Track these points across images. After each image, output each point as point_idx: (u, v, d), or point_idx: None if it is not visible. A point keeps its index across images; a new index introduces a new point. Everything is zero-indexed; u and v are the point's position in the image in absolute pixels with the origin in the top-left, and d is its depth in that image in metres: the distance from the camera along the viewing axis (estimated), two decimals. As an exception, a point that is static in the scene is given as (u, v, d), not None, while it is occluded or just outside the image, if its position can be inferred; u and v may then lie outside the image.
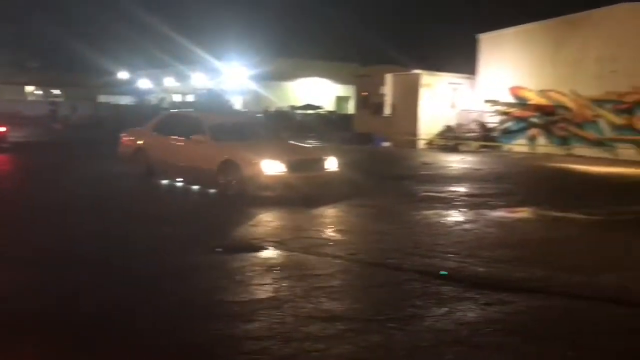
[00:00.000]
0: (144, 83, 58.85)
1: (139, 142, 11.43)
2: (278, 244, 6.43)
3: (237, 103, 45.73)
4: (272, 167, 9.13)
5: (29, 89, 68.94)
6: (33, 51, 67.10)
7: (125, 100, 54.20)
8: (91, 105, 52.55)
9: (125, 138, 11.94)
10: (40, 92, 70.04)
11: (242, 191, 9.19)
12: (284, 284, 5.02)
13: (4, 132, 18.16)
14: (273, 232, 7.23)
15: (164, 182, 10.88)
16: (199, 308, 4.45)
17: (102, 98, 62.50)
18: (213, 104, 38.11)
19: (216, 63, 45.77)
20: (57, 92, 67.05)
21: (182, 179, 10.66)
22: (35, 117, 39.57)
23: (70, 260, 5.64)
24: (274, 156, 9.30)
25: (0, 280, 5.00)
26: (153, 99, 52.10)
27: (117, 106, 47.48)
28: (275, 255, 6.09)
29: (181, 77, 51.49)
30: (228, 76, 45.59)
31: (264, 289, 4.91)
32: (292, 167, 9.25)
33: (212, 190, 9.86)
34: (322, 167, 9.85)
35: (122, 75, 61.02)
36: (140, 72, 59.58)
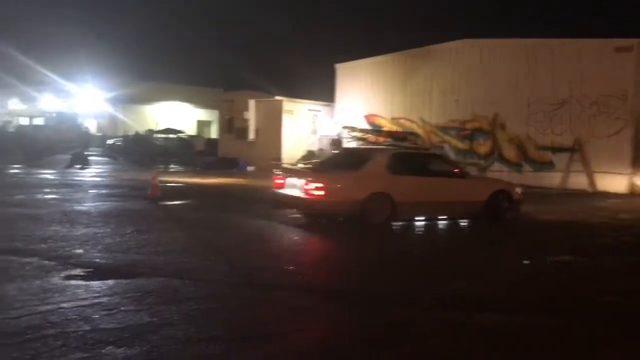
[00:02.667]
0: (-17, 104, 53.78)
1: (373, 188, 9.90)
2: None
3: (92, 127, 43.50)
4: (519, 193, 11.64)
5: None
6: None
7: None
8: None
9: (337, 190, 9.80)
10: None
11: (514, 214, 11.40)
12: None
13: None
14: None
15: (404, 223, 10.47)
16: None
17: None
18: (63, 126, 35.89)
19: (67, 85, 43.30)
20: None
21: (440, 215, 11.02)
22: None
23: None
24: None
25: None
26: (-6, 122, 47.69)
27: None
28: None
29: (28, 98, 47.92)
30: (81, 99, 43.30)
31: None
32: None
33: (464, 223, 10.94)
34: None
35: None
36: (-21, 92, 54.40)
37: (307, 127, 26.47)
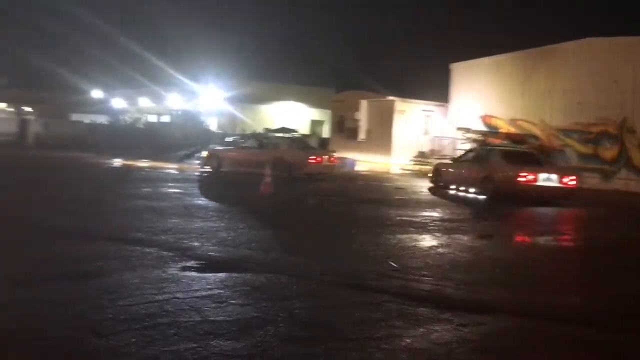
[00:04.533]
0: (118, 102, 58.49)
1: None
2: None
3: (212, 124, 45.80)
4: None
5: (1, 105, 67.79)
6: (2, 67, 66.22)
7: (98, 119, 53.81)
8: (65, 123, 52.00)
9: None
10: (12, 110, 68.86)
11: None
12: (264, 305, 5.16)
13: None
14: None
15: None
16: None
17: (75, 116, 61.75)
18: (188, 124, 38.17)
19: (192, 85, 45.91)
20: (28, 109, 66.03)
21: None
22: (5, 134, 39.03)
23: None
24: None
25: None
26: (127, 119, 51.75)
27: (94, 125, 47.07)
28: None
29: (156, 97, 51.39)
30: (204, 98, 45.71)
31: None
32: None
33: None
34: None
35: (96, 94, 60.60)
36: (115, 91, 59.29)
37: (419, 128, 26.09)
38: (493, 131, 23.69)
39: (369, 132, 27.09)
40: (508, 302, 5.67)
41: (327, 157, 19.19)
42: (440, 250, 8.02)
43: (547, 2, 69.93)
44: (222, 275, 5.98)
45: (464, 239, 8.97)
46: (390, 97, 26.35)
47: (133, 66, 50.57)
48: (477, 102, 24.75)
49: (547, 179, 14.06)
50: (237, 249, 7.34)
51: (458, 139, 24.60)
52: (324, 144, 31.62)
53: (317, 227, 9.74)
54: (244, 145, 20.51)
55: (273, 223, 9.86)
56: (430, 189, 17.20)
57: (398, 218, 10.96)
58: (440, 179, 17.28)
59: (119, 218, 9.45)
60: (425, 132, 26.23)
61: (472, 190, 15.64)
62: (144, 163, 22.90)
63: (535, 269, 7.53)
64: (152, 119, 53.68)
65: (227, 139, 32.15)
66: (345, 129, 28.52)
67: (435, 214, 11.97)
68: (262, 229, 9.11)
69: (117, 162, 22.99)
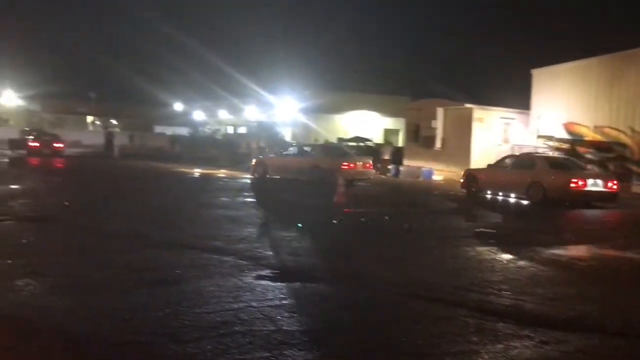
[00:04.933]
0: (198, 115, 60.71)
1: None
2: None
3: (287, 135, 46.52)
4: None
5: (90, 119, 71.99)
6: (92, 82, 70.35)
7: (180, 131, 56.02)
8: (149, 135, 54.62)
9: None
10: (99, 123, 72.91)
11: None
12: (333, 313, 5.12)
13: (62, 146, 31.56)
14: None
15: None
16: None
17: (158, 128, 64.67)
18: (263, 135, 39.00)
19: (268, 96, 46.92)
20: (114, 122, 69.75)
21: None
22: (93, 146, 41.48)
23: None
24: None
25: None
26: (207, 130, 53.61)
27: (176, 136, 49.13)
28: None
29: (234, 109, 52.89)
30: (279, 109, 46.55)
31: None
32: None
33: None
34: None
35: (177, 107, 63.21)
36: (195, 104, 61.57)
37: (498, 136, 25.32)
38: (577, 139, 22.61)
39: (445, 140, 26.58)
40: (594, 319, 5.35)
41: (361, 163, 20.10)
42: (520, 263, 7.70)
43: (634, 3, 66.23)
44: (295, 284, 6.01)
45: (545, 252, 8.55)
46: (468, 105, 25.70)
47: (213, 79, 52.42)
48: (559, 109, 23.70)
49: (594, 184, 15.07)
50: (310, 259, 7.37)
51: (540, 147, 23.66)
52: (398, 153, 31.32)
53: (391, 238, 9.61)
54: (286, 153, 22.10)
55: (344, 233, 9.83)
56: (467, 194, 17.50)
57: (477, 230, 10.65)
58: (474, 184, 17.63)
59: (198, 226, 9.74)
60: (504, 141, 25.40)
61: (514, 195, 16.42)
62: (222, 173, 23.53)
63: (625, 283, 7.06)
64: (230, 130, 55.26)
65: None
66: (421, 138, 28.10)
67: (511, 225, 11.54)
68: (334, 238, 9.11)
69: (197, 171, 23.75)
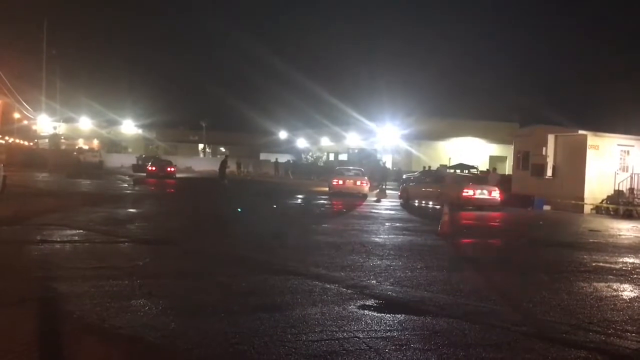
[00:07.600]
0: (301, 142, 62.17)
1: None
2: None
3: (389, 161, 46.32)
4: None
5: (201, 146, 75.88)
6: (203, 112, 74.35)
7: (284, 158, 57.67)
8: (255, 161, 56.92)
9: None
10: (209, 150, 76.61)
11: None
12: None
13: (173, 170, 38.88)
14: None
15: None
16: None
17: (263, 155, 66.92)
18: (364, 161, 39.09)
19: (369, 124, 47.14)
20: (223, 149, 73.07)
21: None
22: (202, 172, 44.31)
23: None
24: None
25: None
26: (310, 157, 54.73)
27: (279, 163, 50.74)
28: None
29: (336, 137, 53.63)
30: (381, 136, 46.56)
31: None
32: None
33: None
34: None
35: (282, 135, 65.19)
36: (298, 131, 63.20)
37: (614, 164, 23.68)
38: None
39: (555, 168, 25.23)
40: None
41: (480, 191, 21.43)
42: None
43: None
44: (401, 316, 5.85)
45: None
46: (582, 131, 24.28)
47: (316, 108, 53.58)
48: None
49: None
50: (415, 290, 7.16)
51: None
52: (504, 181, 30.11)
53: (502, 271, 9.16)
54: (421, 180, 24.99)
55: (451, 263, 9.50)
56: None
57: (594, 264, 9.92)
58: None
59: (301, 252, 9.81)
60: (622, 169, 23.71)
61: None
62: (323, 200, 23.78)
63: None
64: (331, 157, 55.97)
65: (405, 176, 32.30)
66: (530, 165, 26.86)
67: (637, 260, 10.62)
68: (441, 269, 8.81)
69: (300, 197, 24.16)
